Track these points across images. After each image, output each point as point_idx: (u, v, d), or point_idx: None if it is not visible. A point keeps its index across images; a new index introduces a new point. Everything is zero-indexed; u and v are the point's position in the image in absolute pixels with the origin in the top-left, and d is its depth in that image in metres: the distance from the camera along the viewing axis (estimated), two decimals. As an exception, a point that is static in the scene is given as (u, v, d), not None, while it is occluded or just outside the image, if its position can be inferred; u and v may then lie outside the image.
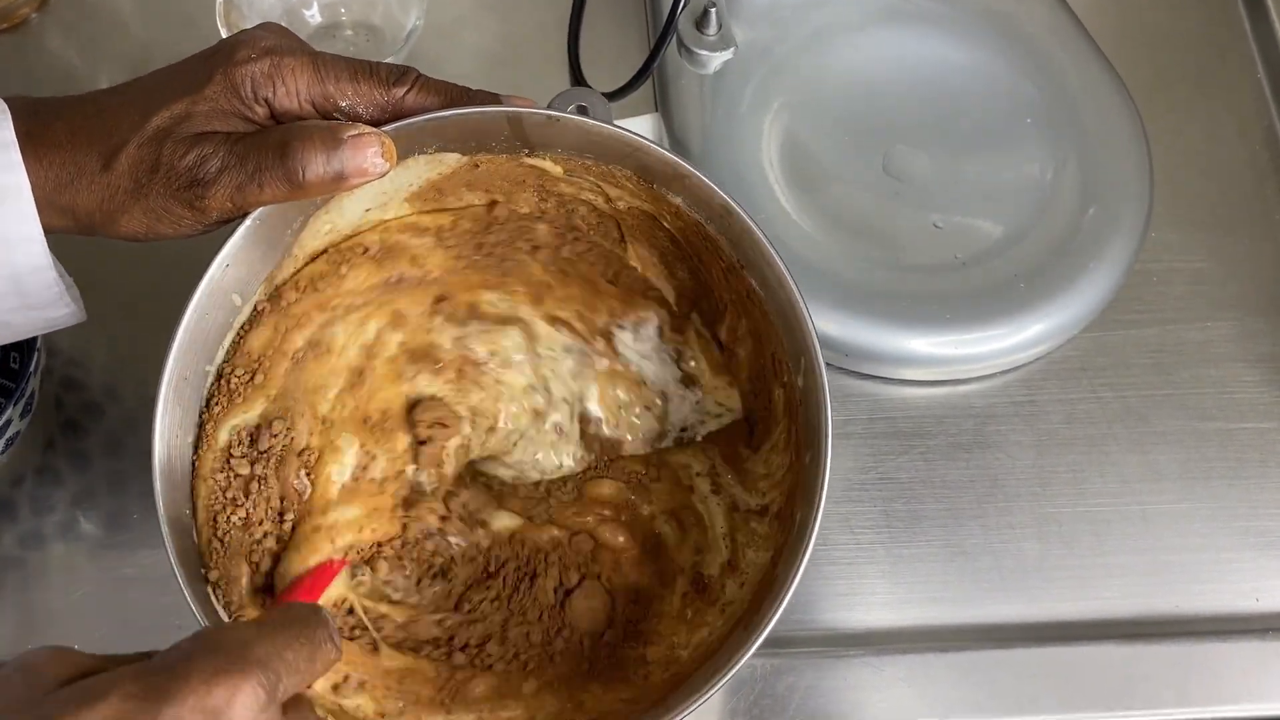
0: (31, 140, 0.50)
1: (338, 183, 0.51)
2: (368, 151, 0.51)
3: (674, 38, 0.77)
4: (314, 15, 0.82)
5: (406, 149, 0.56)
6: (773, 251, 0.56)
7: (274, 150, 0.50)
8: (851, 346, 0.72)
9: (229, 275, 0.55)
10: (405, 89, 0.54)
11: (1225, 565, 0.70)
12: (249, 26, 0.76)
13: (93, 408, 0.72)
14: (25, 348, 0.68)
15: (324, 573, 0.57)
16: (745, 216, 0.56)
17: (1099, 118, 0.79)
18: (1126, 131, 0.78)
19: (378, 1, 0.82)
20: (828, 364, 0.72)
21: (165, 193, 0.50)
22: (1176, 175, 0.81)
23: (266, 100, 0.52)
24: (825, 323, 0.71)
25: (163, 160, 0.50)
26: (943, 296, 0.73)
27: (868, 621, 0.68)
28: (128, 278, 0.75)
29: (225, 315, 0.57)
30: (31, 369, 0.65)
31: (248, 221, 0.53)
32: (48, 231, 0.52)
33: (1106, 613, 0.69)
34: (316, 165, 0.50)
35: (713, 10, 0.76)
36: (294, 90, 0.52)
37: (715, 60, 0.78)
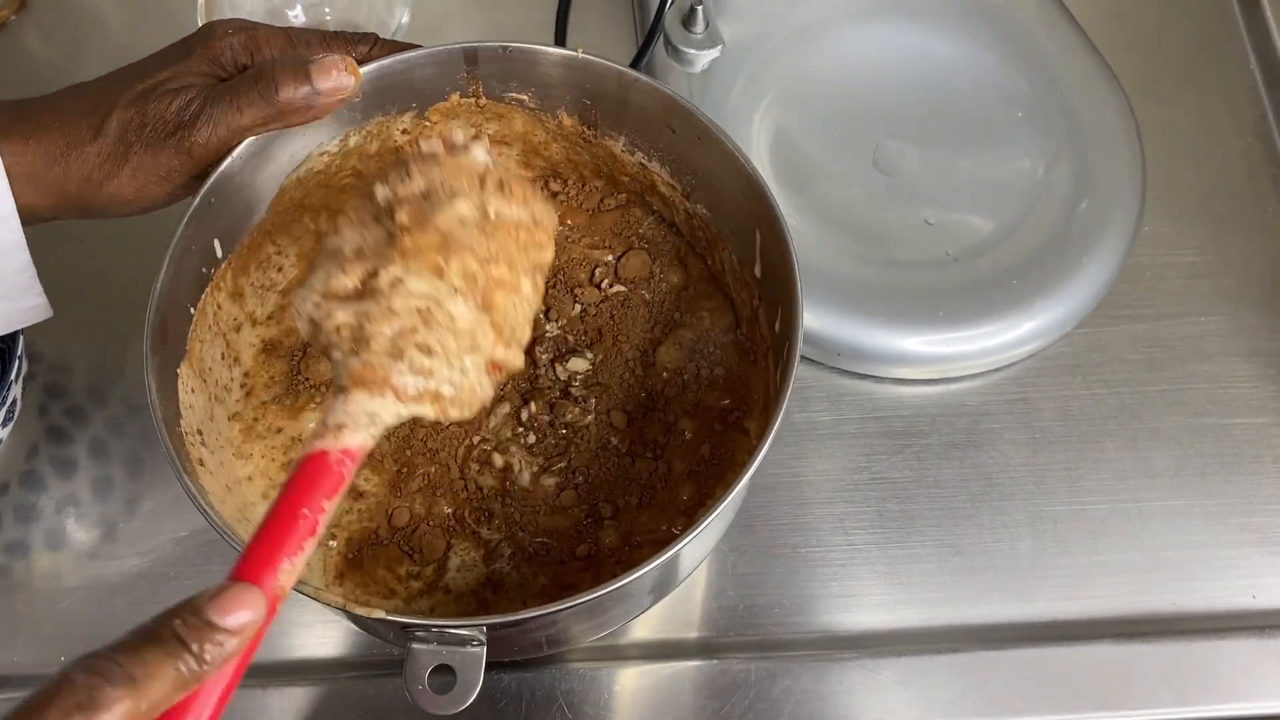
0: (19, 122, 0.53)
1: (311, 99, 0.55)
2: (334, 71, 0.55)
3: (661, 37, 0.76)
4: (297, 15, 0.81)
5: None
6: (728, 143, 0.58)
7: (250, 78, 0.55)
8: (843, 345, 0.71)
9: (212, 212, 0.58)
10: (368, 47, 0.59)
11: (1222, 562, 0.69)
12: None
13: (77, 413, 0.72)
14: (5, 355, 0.67)
15: (318, 471, 0.45)
16: (691, 109, 0.59)
17: (1091, 111, 0.78)
18: (1118, 125, 0.78)
19: (362, 0, 0.81)
20: (819, 363, 0.73)
21: (154, 143, 0.53)
22: (1169, 168, 0.81)
23: (244, 67, 0.57)
24: (816, 321, 0.70)
25: (149, 115, 0.53)
26: (934, 293, 0.72)
27: (862, 623, 0.67)
28: (110, 282, 0.75)
29: (204, 259, 0.59)
30: (12, 377, 0.64)
31: (229, 159, 0.56)
32: (39, 217, 0.54)
33: (1102, 612, 0.68)
34: (289, 85, 0.54)
35: (699, 8, 0.76)
36: (270, 56, 0.57)
37: (703, 59, 0.77)
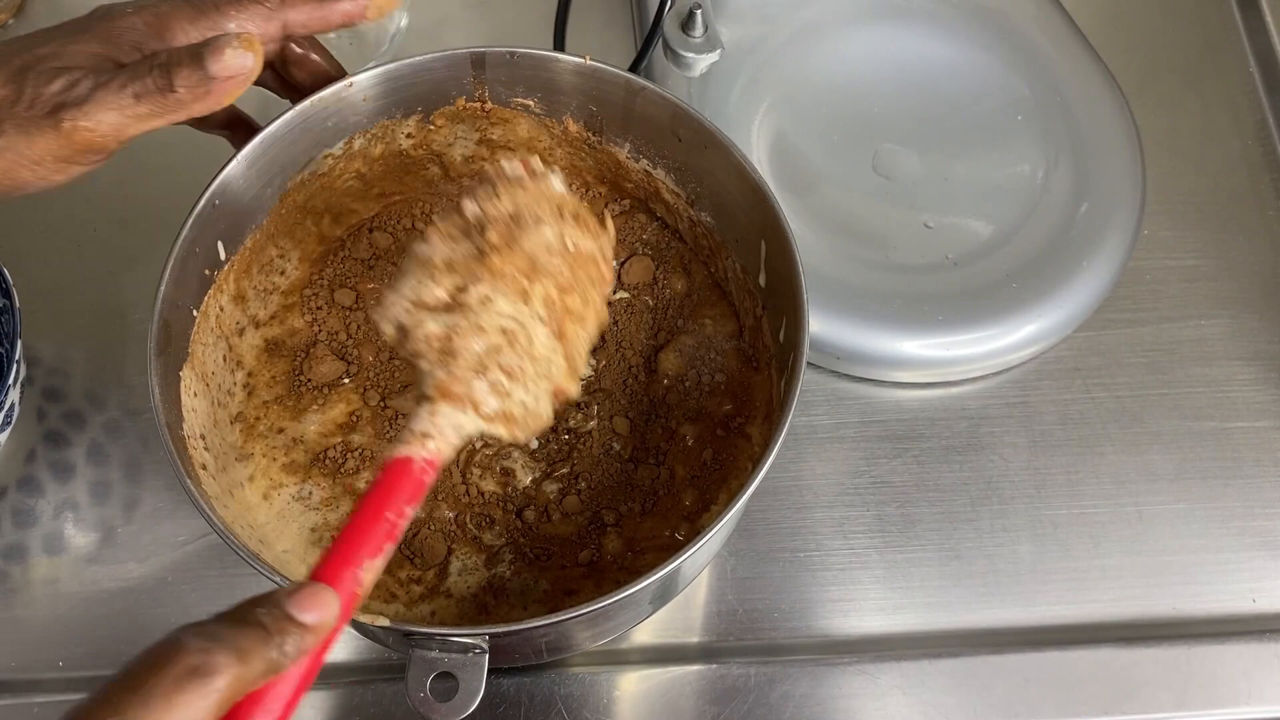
0: None
1: (207, 84, 0.49)
2: (226, 51, 0.49)
3: (660, 40, 0.76)
4: (295, 18, 0.81)
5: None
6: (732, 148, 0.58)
7: (144, 64, 0.49)
8: (842, 349, 0.71)
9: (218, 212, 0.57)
10: None
11: (1222, 566, 0.69)
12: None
13: (75, 417, 0.72)
14: (3, 360, 0.67)
15: (402, 476, 0.47)
16: (699, 117, 0.59)
17: (1090, 114, 0.78)
18: (1118, 128, 0.78)
19: (360, 4, 0.81)
20: (819, 366, 0.73)
21: (27, 124, 0.49)
22: (1169, 171, 0.81)
23: (153, 53, 0.51)
24: (816, 324, 0.70)
25: (25, 92, 0.49)
26: (934, 297, 0.72)
27: (862, 628, 0.67)
28: (108, 286, 0.75)
29: (207, 261, 0.58)
30: (10, 381, 0.64)
31: (234, 161, 0.56)
32: None
33: (1103, 616, 0.68)
34: (184, 73, 0.49)
35: (698, 12, 0.75)
36: (182, 39, 0.52)
37: (702, 62, 0.77)
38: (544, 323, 0.49)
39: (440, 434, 0.47)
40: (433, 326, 0.48)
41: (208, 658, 0.36)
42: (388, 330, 0.49)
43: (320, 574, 0.42)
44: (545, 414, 0.50)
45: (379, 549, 0.43)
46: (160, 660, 0.36)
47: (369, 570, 0.43)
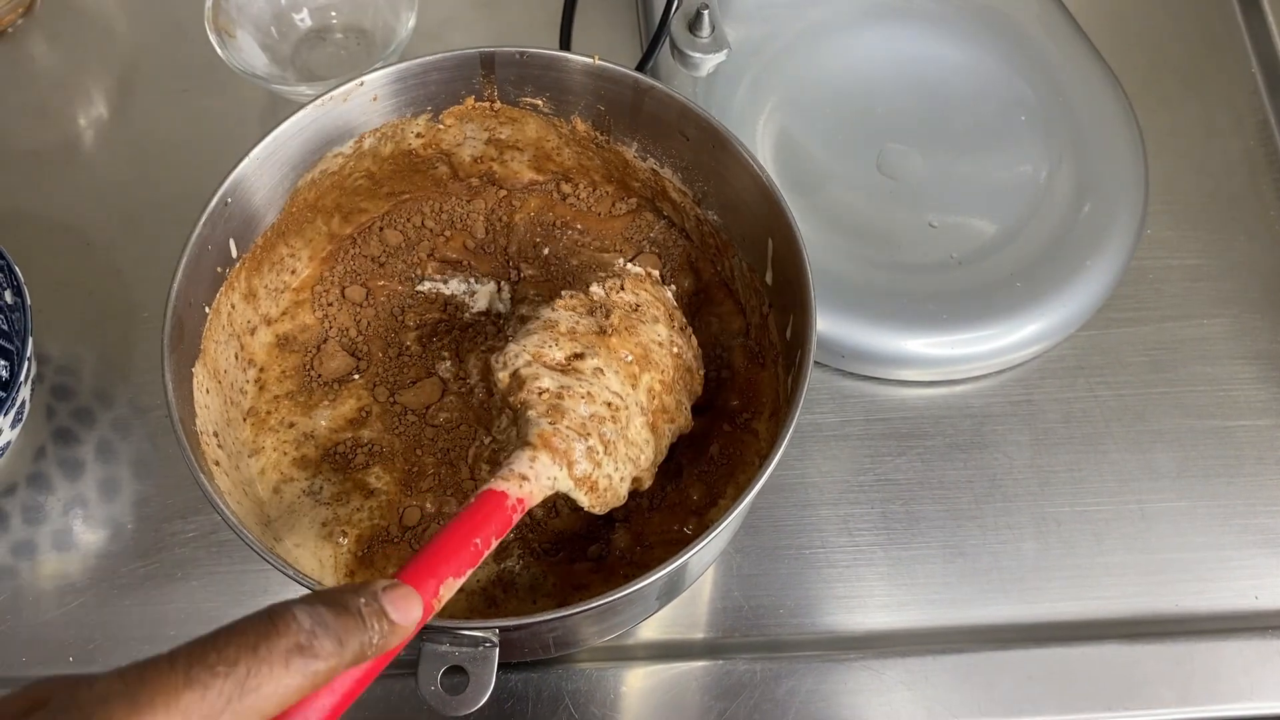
0: None
1: None
2: None
3: (667, 40, 0.77)
4: (304, 19, 0.81)
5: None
6: (748, 157, 0.59)
7: None
8: (847, 347, 0.71)
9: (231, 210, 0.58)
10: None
11: (1224, 563, 0.70)
12: (238, 31, 0.76)
13: (84, 414, 0.72)
14: (15, 357, 0.67)
15: (496, 508, 0.48)
16: (707, 117, 0.60)
17: (1093, 115, 0.78)
18: (1121, 128, 0.78)
19: (368, 5, 0.81)
20: (824, 365, 0.73)
21: None
22: (1171, 172, 0.81)
23: None
24: (821, 323, 0.70)
25: None
26: (939, 296, 0.72)
27: (867, 624, 0.68)
28: (117, 284, 0.75)
29: (219, 258, 0.59)
30: (21, 378, 0.65)
31: (245, 159, 0.57)
32: None
33: (1106, 612, 0.68)
34: None
35: (705, 12, 0.76)
36: None
37: (709, 63, 0.77)
38: (643, 413, 0.54)
39: (536, 480, 0.50)
40: (548, 381, 0.53)
41: (315, 640, 0.37)
42: (503, 377, 0.54)
43: (406, 577, 0.43)
44: (622, 494, 0.54)
45: (461, 571, 0.45)
46: (273, 629, 0.36)
47: (449, 588, 0.44)
